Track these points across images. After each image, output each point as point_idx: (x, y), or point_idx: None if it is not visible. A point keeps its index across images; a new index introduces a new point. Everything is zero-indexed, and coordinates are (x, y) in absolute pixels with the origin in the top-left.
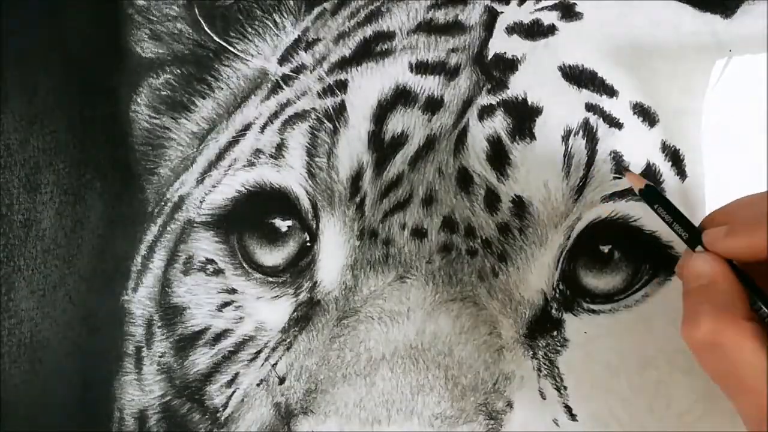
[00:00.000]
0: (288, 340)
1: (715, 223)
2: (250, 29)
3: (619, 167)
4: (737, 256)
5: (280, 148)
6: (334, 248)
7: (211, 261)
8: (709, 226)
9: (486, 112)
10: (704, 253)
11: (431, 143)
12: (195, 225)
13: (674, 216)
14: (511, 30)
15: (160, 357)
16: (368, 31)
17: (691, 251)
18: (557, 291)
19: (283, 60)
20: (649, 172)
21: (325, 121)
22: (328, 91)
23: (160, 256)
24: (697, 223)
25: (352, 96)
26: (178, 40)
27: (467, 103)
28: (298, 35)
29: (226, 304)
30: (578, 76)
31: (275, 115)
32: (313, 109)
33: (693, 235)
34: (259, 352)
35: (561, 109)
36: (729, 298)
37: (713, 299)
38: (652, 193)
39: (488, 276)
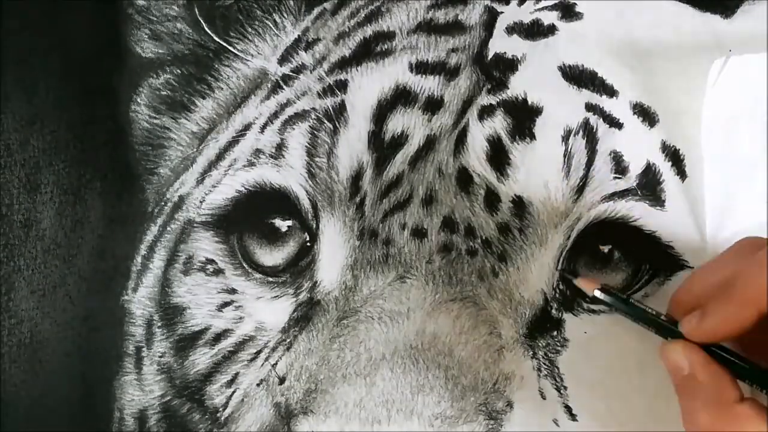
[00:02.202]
0: (288, 340)
1: (682, 306)
2: (250, 29)
3: (566, 277)
4: (719, 339)
5: (280, 148)
6: (334, 248)
7: (211, 261)
8: (675, 309)
9: (486, 112)
10: (676, 343)
11: (431, 143)
12: (195, 225)
13: (636, 312)
14: (511, 30)
15: (160, 357)
16: (368, 31)
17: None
18: (557, 291)
19: (283, 60)
20: (649, 172)
21: (325, 121)
22: (328, 91)
23: (160, 256)
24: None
25: (352, 96)
26: (178, 40)
27: (467, 103)
28: (298, 35)
29: (226, 304)
30: (578, 76)
31: (275, 115)
32: (313, 109)
33: (662, 325)
34: (259, 352)
35: (561, 109)
36: (714, 388)
37: (700, 393)
38: (607, 294)
39: (488, 276)
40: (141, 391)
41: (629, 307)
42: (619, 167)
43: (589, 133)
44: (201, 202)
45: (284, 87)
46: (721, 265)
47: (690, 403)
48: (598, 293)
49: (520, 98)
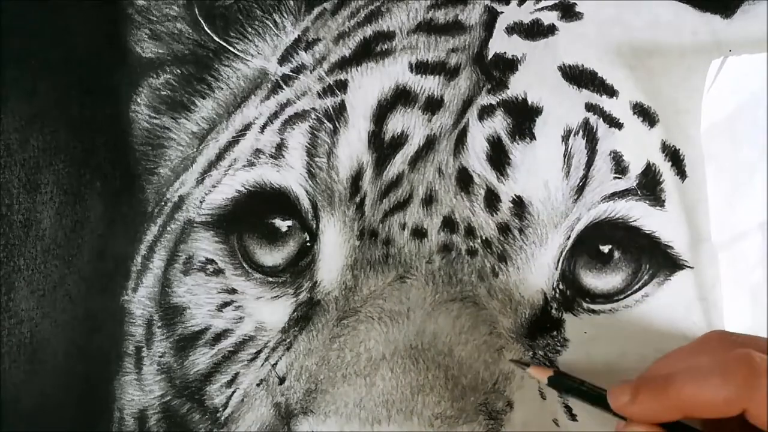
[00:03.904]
0: (288, 340)
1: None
2: (250, 29)
3: (521, 364)
4: (649, 420)
5: (280, 148)
6: (334, 248)
7: (211, 261)
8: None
9: (486, 112)
10: (630, 425)
11: (431, 143)
12: (195, 225)
13: (592, 397)
14: (511, 30)
15: (160, 357)
16: (368, 31)
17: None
18: (557, 291)
19: (283, 60)
20: (649, 172)
21: (325, 121)
22: (328, 91)
23: (160, 256)
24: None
25: (352, 96)
26: (178, 40)
27: (467, 103)
28: (298, 35)
29: (226, 304)
30: (578, 76)
31: (275, 115)
32: (313, 109)
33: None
34: (259, 352)
35: (561, 109)
36: None
37: None
38: (560, 379)
39: (488, 276)
40: (141, 391)
41: (585, 391)
42: (619, 167)
43: (589, 133)
44: (201, 202)
45: (284, 87)
46: (680, 357)
47: None
48: (548, 380)
49: (520, 98)
